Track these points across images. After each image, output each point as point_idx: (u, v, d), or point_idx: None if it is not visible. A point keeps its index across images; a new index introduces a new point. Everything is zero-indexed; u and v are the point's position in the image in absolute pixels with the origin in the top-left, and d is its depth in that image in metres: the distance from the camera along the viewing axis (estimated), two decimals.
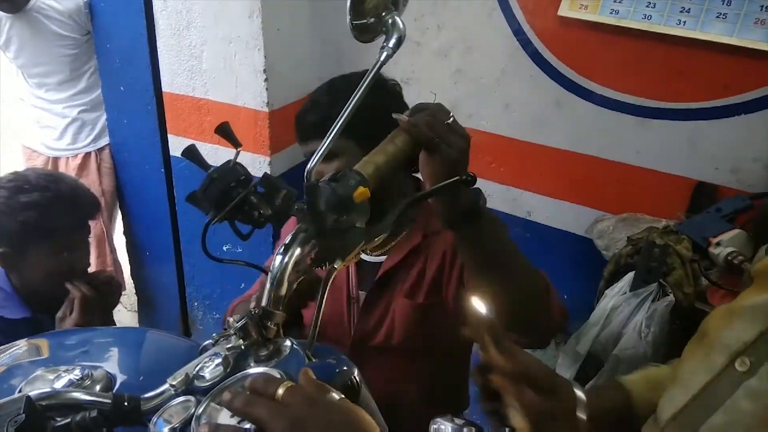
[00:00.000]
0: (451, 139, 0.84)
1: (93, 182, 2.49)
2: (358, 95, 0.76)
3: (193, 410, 0.63)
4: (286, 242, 0.74)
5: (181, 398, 0.67)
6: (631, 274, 1.31)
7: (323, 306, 0.74)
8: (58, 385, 0.72)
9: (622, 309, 1.28)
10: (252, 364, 0.69)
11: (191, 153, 0.73)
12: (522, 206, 1.92)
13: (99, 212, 1.35)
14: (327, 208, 0.75)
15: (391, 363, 1.23)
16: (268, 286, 0.73)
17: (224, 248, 2.46)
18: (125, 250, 2.73)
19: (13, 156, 3.12)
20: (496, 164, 1.93)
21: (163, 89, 2.21)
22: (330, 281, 0.75)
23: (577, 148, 1.76)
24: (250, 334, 0.69)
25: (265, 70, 2.00)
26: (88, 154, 2.53)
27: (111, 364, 0.83)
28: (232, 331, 0.71)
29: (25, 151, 2.65)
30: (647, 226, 1.49)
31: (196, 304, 2.63)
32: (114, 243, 2.69)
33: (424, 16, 1.91)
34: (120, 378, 0.78)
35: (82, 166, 2.54)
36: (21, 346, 0.83)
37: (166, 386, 0.68)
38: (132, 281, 2.81)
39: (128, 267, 2.76)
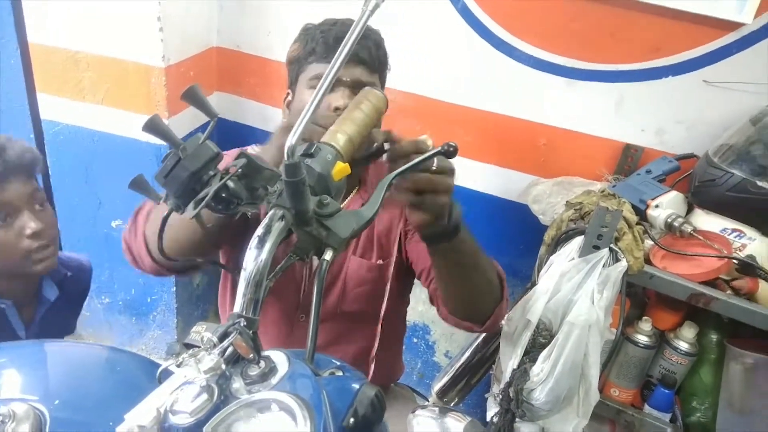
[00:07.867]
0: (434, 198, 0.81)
1: None
2: (349, 44, 0.66)
3: None
4: (260, 233, 0.60)
5: None
6: (578, 240, 1.29)
7: (320, 309, 0.61)
8: None
9: (571, 275, 1.26)
10: (244, 387, 0.55)
11: (154, 126, 0.55)
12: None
13: (37, 167, 1.18)
14: (310, 190, 0.62)
15: (336, 329, 1.23)
16: (242, 288, 0.58)
17: (113, 224, 2.18)
18: None
19: None
20: (422, 128, 1.84)
21: (30, 40, 1.86)
22: (324, 276, 0.63)
23: (507, 110, 1.72)
24: (237, 352, 0.55)
25: (159, 19, 1.73)
26: None
27: (40, 393, 0.64)
28: (203, 347, 0.56)
29: None
30: (583, 189, 1.49)
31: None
32: None
33: None
34: (53, 414, 0.60)
35: None
36: None
37: (128, 427, 0.52)
38: None
39: None
